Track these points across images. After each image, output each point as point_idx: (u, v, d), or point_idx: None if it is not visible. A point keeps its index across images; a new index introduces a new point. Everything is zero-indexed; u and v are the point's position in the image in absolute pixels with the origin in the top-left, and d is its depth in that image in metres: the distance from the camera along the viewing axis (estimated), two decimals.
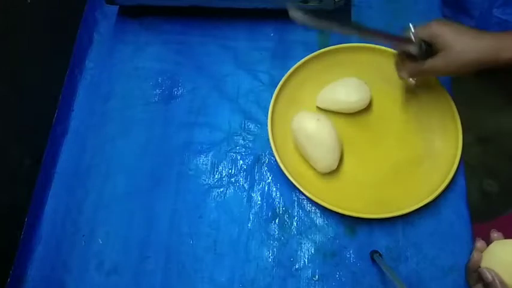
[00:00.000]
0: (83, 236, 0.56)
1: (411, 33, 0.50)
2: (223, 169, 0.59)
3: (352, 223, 0.54)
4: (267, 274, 0.53)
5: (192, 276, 0.53)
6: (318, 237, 0.54)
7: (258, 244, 0.54)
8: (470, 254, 0.46)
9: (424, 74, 0.52)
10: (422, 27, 0.50)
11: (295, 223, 0.55)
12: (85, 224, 0.57)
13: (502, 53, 0.46)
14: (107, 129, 0.62)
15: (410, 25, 0.50)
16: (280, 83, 0.59)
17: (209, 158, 0.59)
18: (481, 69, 0.48)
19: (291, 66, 0.60)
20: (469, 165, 0.58)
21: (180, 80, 0.64)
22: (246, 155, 0.59)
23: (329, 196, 0.53)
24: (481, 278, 0.44)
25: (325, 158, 0.54)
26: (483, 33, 0.48)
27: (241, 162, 0.59)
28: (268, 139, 0.56)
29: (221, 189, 0.57)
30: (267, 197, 0.57)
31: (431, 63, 0.49)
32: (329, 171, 0.56)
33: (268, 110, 0.58)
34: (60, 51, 0.67)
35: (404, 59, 0.53)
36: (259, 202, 0.57)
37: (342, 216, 0.53)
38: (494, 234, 0.46)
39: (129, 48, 0.67)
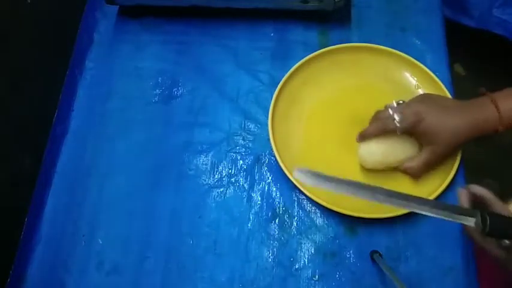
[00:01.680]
0: (83, 236, 0.56)
1: (392, 115, 0.51)
2: (223, 169, 0.59)
3: (352, 223, 0.54)
4: (267, 274, 0.53)
5: (192, 276, 0.53)
6: (318, 237, 0.54)
7: (258, 244, 0.54)
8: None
9: (422, 171, 0.53)
10: (406, 120, 0.51)
11: (295, 223, 0.55)
12: (85, 224, 0.56)
13: (484, 126, 0.48)
14: (107, 129, 0.62)
15: (391, 107, 0.52)
16: (281, 82, 0.59)
17: (209, 158, 0.59)
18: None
19: (291, 66, 0.60)
20: (469, 165, 0.58)
21: (180, 80, 0.65)
22: (246, 155, 0.59)
23: (329, 196, 0.53)
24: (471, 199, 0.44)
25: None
26: (460, 116, 0.49)
27: (241, 162, 0.59)
28: (268, 139, 0.56)
29: (221, 189, 0.57)
30: (267, 197, 0.57)
31: (418, 162, 0.52)
32: None
33: (268, 110, 0.58)
34: (60, 51, 0.67)
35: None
36: (259, 202, 0.57)
37: (342, 216, 0.53)
38: None
39: (129, 48, 0.67)
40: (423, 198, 0.41)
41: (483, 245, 0.42)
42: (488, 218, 0.39)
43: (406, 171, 0.54)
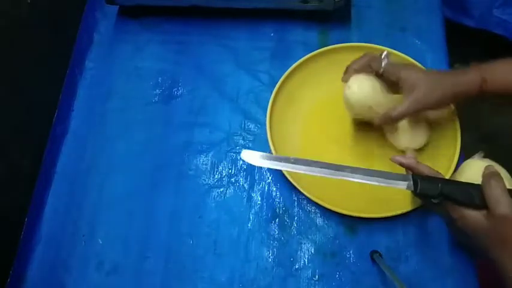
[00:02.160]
0: (83, 236, 0.56)
1: (382, 58, 0.53)
2: (223, 169, 0.59)
3: (352, 223, 0.54)
4: (267, 274, 0.53)
5: (192, 276, 0.53)
6: (318, 237, 0.54)
7: (258, 244, 0.54)
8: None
9: (396, 119, 0.52)
10: (393, 66, 0.52)
11: (295, 223, 0.55)
12: (85, 224, 0.57)
13: (467, 83, 0.50)
14: (107, 129, 0.62)
15: (385, 52, 0.54)
16: (279, 82, 0.59)
17: (209, 158, 0.59)
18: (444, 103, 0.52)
19: (291, 66, 0.60)
20: None
21: (180, 80, 0.65)
22: None
23: (329, 196, 0.53)
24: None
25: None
26: (444, 73, 0.53)
27: (241, 162, 0.59)
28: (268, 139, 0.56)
29: (221, 189, 0.57)
30: (267, 197, 0.57)
31: (401, 108, 0.51)
32: None
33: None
34: (60, 51, 0.67)
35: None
36: (259, 202, 0.57)
37: (342, 216, 0.53)
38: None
39: (129, 48, 0.67)
40: (356, 167, 0.45)
41: (427, 206, 0.48)
42: (418, 182, 0.43)
43: (385, 120, 0.53)
